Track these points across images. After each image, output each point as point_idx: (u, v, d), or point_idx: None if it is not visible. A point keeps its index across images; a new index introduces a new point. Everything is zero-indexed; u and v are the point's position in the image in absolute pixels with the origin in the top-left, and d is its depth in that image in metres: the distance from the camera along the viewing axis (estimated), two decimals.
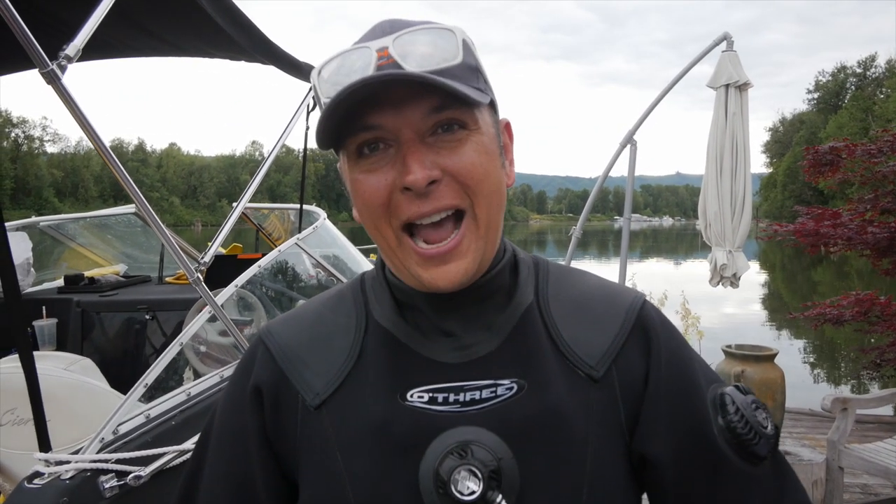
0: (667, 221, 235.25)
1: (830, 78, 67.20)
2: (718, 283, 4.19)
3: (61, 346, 3.29)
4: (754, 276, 20.70)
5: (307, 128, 2.74)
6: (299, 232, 3.00)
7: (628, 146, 4.41)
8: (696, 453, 0.68)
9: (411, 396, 0.67)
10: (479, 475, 0.61)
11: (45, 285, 3.89)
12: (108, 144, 1.56)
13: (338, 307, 0.76)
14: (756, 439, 0.67)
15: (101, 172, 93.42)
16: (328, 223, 3.46)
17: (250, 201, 2.55)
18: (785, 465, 0.72)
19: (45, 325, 3.19)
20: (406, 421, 0.66)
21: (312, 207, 3.64)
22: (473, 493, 0.60)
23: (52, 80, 1.40)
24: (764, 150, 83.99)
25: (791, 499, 0.70)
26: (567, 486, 0.65)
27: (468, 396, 0.66)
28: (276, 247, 4.80)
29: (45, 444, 1.51)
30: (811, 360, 9.63)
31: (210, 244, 2.02)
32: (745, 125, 3.97)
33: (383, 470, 0.66)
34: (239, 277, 2.33)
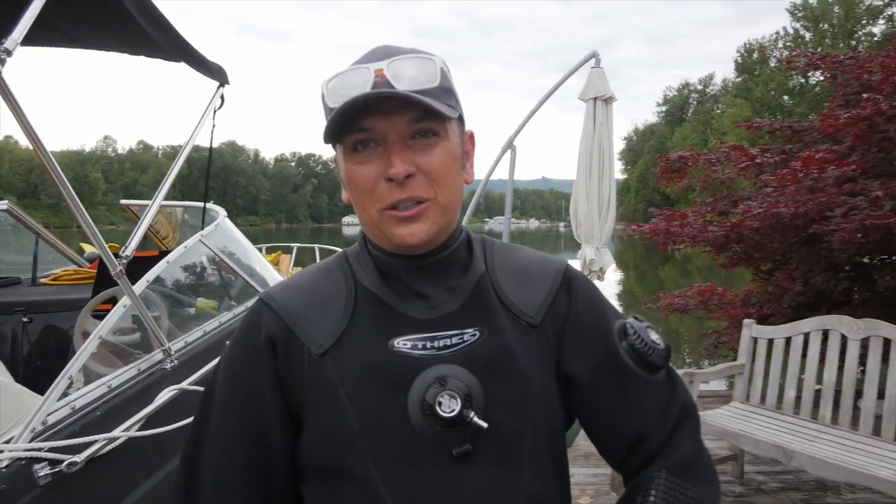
0: (533, 224, 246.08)
1: (676, 93, 73.92)
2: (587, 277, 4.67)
3: None
4: (612, 275, 22.42)
5: (213, 126, 2.79)
6: (202, 229, 3.02)
7: (508, 151, 4.79)
8: (607, 368, 0.91)
9: (397, 344, 0.85)
10: (458, 397, 0.81)
11: None
12: None
13: (327, 277, 0.93)
14: (651, 352, 0.90)
15: None
16: (228, 221, 3.48)
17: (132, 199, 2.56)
18: (675, 374, 0.95)
19: None
20: (395, 363, 0.84)
21: (212, 205, 3.64)
22: (453, 410, 0.80)
23: None
24: (620, 158, 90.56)
25: (680, 396, 0.93)
26: (517, 404, 0.86)
27: (441, 343, 0.86)
28: (164, 246, 4.68)
29: None
30: None
31: (130, 239, 2.06)
32: (610, 134, 4.47)
33: (380, 401, 0.83)
34: (150, 272, 2.35)
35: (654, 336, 0.92)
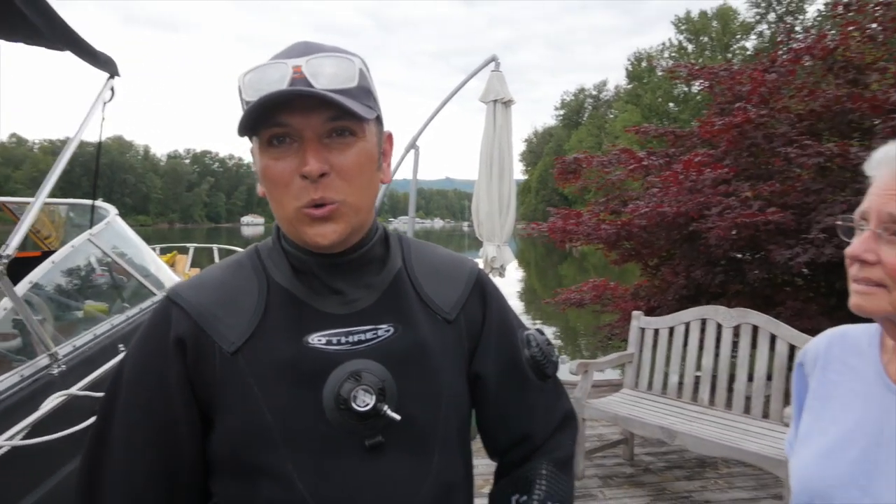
0: (438, 223, 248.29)
1: (573, 97, 76.98)
2: (489, 274, 4.82)
3: None
4: (514, 272, 23.08)
5: (103, 119, 2.65)
6: (90, 228, 2.86)
7: (412, 151, 4.86)
8: (510, 374, 1.01)
9: (312, 340, 0.86)
10: (372, 392, 0.84)
11: None
12: None
13: (238, 273, 0.93)
14: (547, 365, 1.03)
15: None
16: (119, 220, 3.30)
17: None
18: (560, 384, 1.08)
19: None
20: (309, 358, 0.85)
21: (101, 203, 3.44)
22: (368, 405, 0.83)
23: None
24: (521, 159, 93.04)
25: (563, 404, 1.07)
26: (430, 397, 0.90)
27: (356, 338, 0.88)
28: (46, 246, 4.36)
29: None
30: (559, 340, 11.16)
31: (10, 238, 1.93)
32: (509, 136, 4.63)
33: (294, 396, 0.84)
34: (34, 272, 2.21)
35: (551, 350, 1.04)
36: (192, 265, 7.57)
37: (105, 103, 2.63)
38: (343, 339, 0.87)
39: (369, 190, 0.88)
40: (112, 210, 3.36)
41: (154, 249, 4.77)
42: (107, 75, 2.68)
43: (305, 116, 0.80)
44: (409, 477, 0.87)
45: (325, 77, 0.81)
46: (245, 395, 0.84)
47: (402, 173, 4.97)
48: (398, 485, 0.86)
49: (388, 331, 0.89)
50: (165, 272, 3.69)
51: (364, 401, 0.83)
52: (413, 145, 4.76)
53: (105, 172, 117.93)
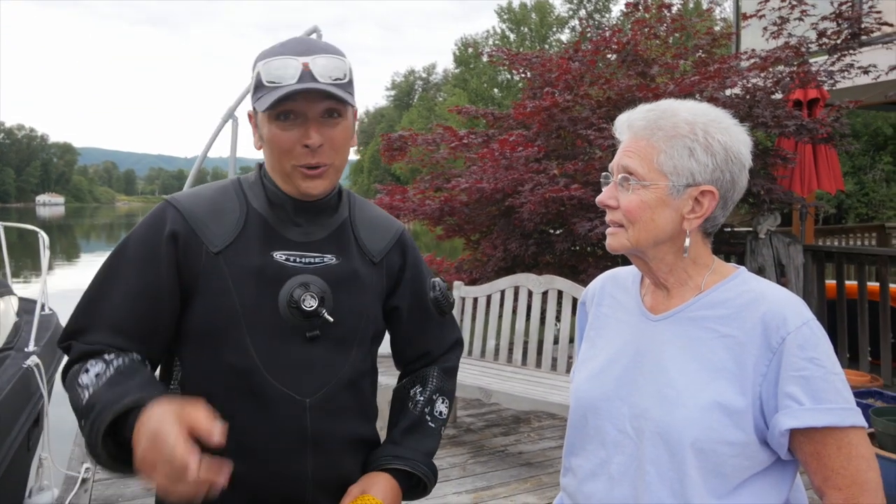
0: None
1: (403, 79, 77.64)
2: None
3: None
4: None
5: None
6: None
7: (230, 122, 4.63)
8: (419, 308, 1.36)
9: (276, 255, 1.17)
10: (316, 298, 1.15)
11: None
12: None
13: (224, 195, 1.21)
14: (446, 304, 1.37)
15: None
16: None
17: None
18: (453, 318, 1.45)
19: None
20: (273, 267, 1.16)
21: None
22: (312, 306, 1.15)
23: None
24: None
25: (455, 331, 1.46)
26: (355, 309, 1.23)
27: (307, 260, 1.19)
28: None
29: None
30: None
31: None
32: None
33: (258, 292, 1.15)
34: None
35: (449, 293, 1.39)
36: None
37: None
38: (298, 259, 1.18)
39: (347, 156, 1.21)
40: None
41: None
42: None
43: (310, 102, 1.11)
44: (333, 361, 1.19)
45: (326, 72, 1.11)
46: (223, 286, 1.14)
47: (219, 150, 4.72)
48: (325, 367, 1.18)
49: (331, 259, 1.21)
50: None
51: (310, 303, 1.14)
52: (231, 115, 4.55)
53: None
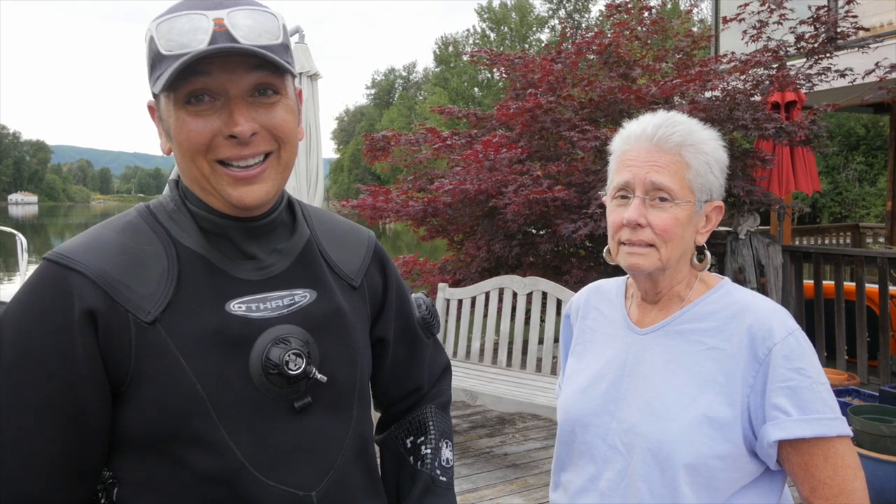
0: None
1: (383, 77, 77.37)
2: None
3: None
4: None
5: None
6: None
7: None
8: (406, 334, 1.11)
9: (234, 307, 0.86)
10: (303, 356, 0.86)
11: None
12: None
13: (136, 236, 0.86)
14: (434, 324, 1.15)
15: None
16: None
17: None
18: (438, 341, 1.20)
19: None
20: (234, 325, 0.85)
21: None
22: (300, 368, 0.85)
23: None
24: (332, 138, 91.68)
25: (443, 356, 1.21)
26: (347, 357, 0.95)
27: (274, 304, 0.89)
28: None
29: None
30: None
31: None
32: (316, 111, 4.55)
33: (221, 364, 0.84)
34: None
35: (435, 313, 1.18)
36: None
37: None
38: (262, 306, 0.88)
39: (295, 146, 0.89)
40: None
41: None
42: None
43: (229, 74, 0.79)
44: (334, 432, 0.92)
45: (249, 31, 0.79)
46: (170, 365, 0.82)
47: None
48: (326, 440, 0.91)
49: (304, 296, 0.91)
50: None
51: (297, 364, 0.85)
52: None
53: None
